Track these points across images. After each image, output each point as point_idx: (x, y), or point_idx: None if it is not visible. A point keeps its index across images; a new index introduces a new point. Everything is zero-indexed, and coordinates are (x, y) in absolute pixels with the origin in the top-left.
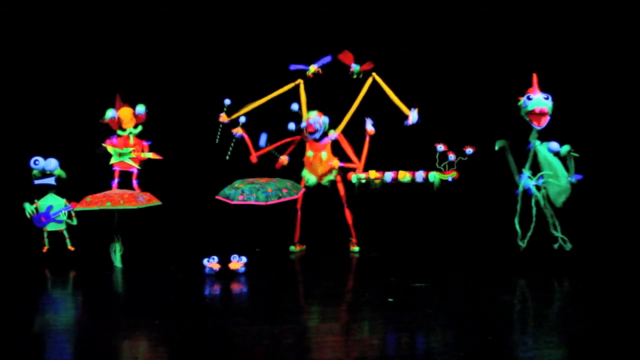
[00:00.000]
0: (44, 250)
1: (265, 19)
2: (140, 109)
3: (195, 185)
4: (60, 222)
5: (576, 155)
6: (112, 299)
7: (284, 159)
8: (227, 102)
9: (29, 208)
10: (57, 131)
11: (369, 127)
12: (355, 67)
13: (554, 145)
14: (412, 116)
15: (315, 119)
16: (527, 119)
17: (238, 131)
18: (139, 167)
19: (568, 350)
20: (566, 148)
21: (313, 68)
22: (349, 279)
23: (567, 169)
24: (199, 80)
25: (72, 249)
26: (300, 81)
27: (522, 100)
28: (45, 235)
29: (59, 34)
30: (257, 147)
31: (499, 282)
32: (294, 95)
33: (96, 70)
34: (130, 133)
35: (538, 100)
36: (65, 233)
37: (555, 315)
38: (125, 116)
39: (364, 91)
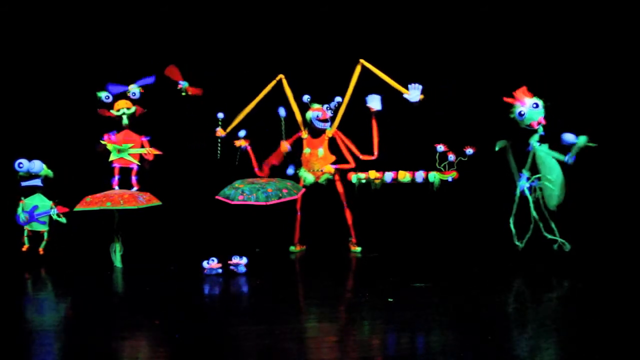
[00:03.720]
0: (24, 249)
1: (265, 22)
2: (134, 89)
3: (195, 185)
4: (43, 223)
5: (595, 145)
6: (112, 299)
7: (285, 146)
8: (221, 115)
9: (22, 215)
10: (57, 131)
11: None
12: (183, 84)
13: (570, 137)
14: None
15: (324, 107)
16: (527, 127)
17: (242, 143)
18: (140, 164)
19: (568, 350)
20: (583, 139)
21: (132, 87)
22: (349, 279)
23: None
24: (198, 79)
25: (42, 252)
26: (281, 76)
27: (514, 115)
28: (25, 233)
29: (55, 33)
30: (259, 161)
31: (499, 282)
32: (279, 92)
33: (95, 69)
34: (124, 114)
35: (530, 114)
36: (45, 235)
37: (555, 315)
38: (122, 100)
39: (354, 81)
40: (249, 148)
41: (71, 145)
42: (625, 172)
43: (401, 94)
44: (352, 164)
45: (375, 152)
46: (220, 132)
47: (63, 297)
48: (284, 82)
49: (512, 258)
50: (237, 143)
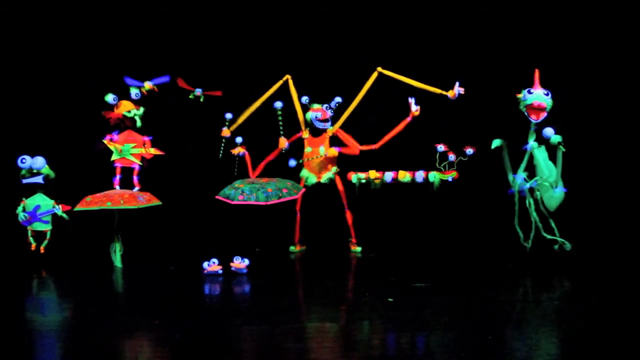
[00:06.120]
0: (33, 249)
1: (266, 21)
2: (147, 87)
3: (195, 185)
4: (46, 222)
5: (564, 150)
6: (112, 299)
7: (284, 143)
8: (229, 116)
9: (21, 215)
10: (58, 130)
11: (413, 107)
12: (200, 91)
13: (549, 130)
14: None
15: (324, 107)
16: (526, 112)
17: (240, 151)
18: (141, 164)
19: (568, 350)
20: (557, 138)
21: (148, 85)
22: (349, 279)
23: (555, 164)
24: (199, 79)
25: (43, 250)
26: (288, 77)
27: (523, 93)
28: (29, 234)
29: (59, 31)
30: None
31: (499, 282)
32: (284, 92)
33: (96, 69)
34: (135, 115)
35: (538, 95)
36: (48, 234)
37: (556, 315)
38: (126, 101)
39: (367, 87)
40: (247, 155)
41: (72, 145)
42: (626, 169)
43: (434, 94)
44: (356, 150)
45: (379, 144)
46: (225, 132)
47: (63, 297)
48: (290, 82)
49: (512, 258)
50: (235, 151)
